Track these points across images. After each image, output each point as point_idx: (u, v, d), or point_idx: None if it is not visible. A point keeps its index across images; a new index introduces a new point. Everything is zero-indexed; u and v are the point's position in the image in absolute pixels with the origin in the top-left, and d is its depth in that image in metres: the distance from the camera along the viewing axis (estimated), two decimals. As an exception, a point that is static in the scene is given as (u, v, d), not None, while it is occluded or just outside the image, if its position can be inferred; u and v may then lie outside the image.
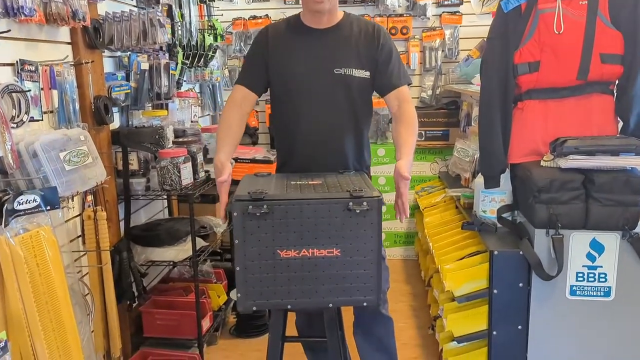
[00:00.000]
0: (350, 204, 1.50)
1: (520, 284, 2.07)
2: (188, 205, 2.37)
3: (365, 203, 1.50)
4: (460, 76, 3.50)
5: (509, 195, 2.30)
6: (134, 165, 2.34)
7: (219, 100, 3.70)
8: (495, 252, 2.06)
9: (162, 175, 2.35)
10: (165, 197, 2.49)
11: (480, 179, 2.35)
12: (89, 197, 2.11)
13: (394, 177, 1.70)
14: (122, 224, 2.38)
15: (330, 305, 1.57)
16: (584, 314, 2.06)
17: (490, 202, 2.33)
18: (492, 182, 2.23)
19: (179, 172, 2.33)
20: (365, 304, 1.57)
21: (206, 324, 2.52)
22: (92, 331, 2.05)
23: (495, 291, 2.08)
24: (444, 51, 3.77)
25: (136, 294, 2.34)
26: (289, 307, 1.57)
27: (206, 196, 3.11)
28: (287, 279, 1.54)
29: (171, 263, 2.47)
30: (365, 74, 1.87)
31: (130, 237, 2.38)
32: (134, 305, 2.47)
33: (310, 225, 1.51)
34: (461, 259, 2.32)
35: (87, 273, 2.12)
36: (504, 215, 2.29)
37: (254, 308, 1.57)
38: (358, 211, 1.50)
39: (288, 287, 1.55)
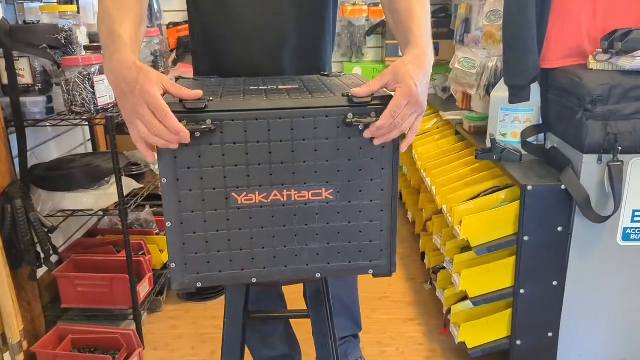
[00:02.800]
0: (350, 115, 0.92)
1: (560, 228, 1.57)
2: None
3: (374, 113, 0.92)
4: (452, -25, 2.86)
5: (537, 113, 1.77)
6: (25, 78, 1.66)
7: (155, 6, 2.94)
8: (529, 187, 1.54)
9: (68, 92, 1.68)
10: (76, 123, 1.81)
11: (499, 93, 1.80)
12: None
13: None
14: (17, 162, 1.72)
15: (319, 275, 1.01)
16: (637, 264, 1.59)
17: (513, 123, 1.79)
18: (520, 95, 1.68)
19: (93, 87, 1.67)
20: (371, 271, 1.03)
21: (144, 288, 1.94)
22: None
23: (525, 238, 1.58)
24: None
25: (42, 255, 1.72)
26: (253, 280, 1.01)
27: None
28: (249, 239, 0.97)
29: (93, 212, 1.84)
30: None
31: (29, 179, 1.74)
32: (43, 270, 1.85)
33: (284, 152, 0.93)
34: (475, 197, 1.79)
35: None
36: (529, 139, 1.77)
37: (199, 284, 1.00)
38: (362, 127, 0.92)
39: (251, 251, 0.98)
